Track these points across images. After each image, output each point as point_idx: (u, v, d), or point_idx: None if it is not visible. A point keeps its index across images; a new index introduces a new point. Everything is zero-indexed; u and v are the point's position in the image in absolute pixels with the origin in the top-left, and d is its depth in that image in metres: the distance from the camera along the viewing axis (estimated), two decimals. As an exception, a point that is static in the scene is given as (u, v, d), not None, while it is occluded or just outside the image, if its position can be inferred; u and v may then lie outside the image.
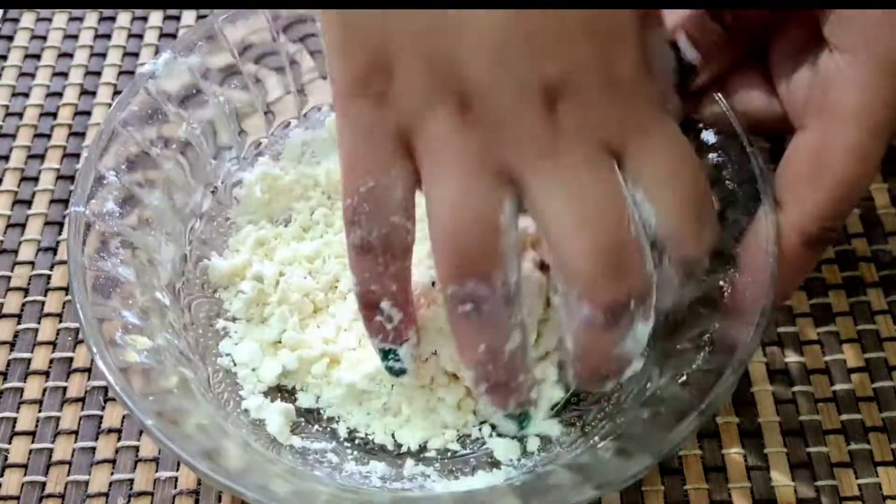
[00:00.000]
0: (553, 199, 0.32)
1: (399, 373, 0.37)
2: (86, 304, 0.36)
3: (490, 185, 0.32)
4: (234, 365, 0.41)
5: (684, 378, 0.36)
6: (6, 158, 0.51)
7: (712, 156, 0.40)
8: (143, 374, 0.36)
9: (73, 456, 0.41)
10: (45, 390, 0.43)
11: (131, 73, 0.54)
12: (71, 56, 0.55)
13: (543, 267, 0.40)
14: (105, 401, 0.43)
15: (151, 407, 0.34)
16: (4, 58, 0.55)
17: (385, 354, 0.37)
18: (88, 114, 0.52)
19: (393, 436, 0.39)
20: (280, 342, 0.41)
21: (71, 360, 0.44)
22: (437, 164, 0.33)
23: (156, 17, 0.56)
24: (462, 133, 0.32)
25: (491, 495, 0.36)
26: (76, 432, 0.42)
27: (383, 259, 0.34)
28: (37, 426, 0.42)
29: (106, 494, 0.40)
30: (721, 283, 0.37)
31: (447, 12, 0.32)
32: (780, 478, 0.40)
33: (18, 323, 0.45)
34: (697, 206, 0.34)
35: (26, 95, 0.53)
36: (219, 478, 0.32)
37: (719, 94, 0.39)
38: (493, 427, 0.39)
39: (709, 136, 0.40)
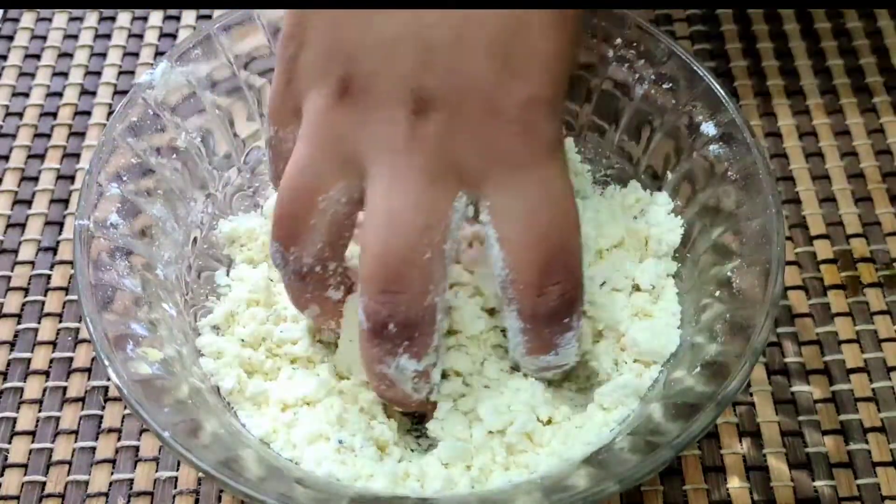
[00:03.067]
0: (376, 194, 0.33)
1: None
2: (96, 319, 0.36)
3: (334, 165, 0.34)
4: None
5: (698, 369, 0.36)
6: (6, 158, 0.51)
7: (713, 147, 0.40)
8: (157, 386, 0.35)
9: (73, 456, 0.41)
10: (45, 390, 0.43)
11: (131, 72, 0.54)
12: (71, 56, 0.55)
13: None
14: (105, 401, 0.43)
15: (168, 419, 0.34)
16: (4, 58, 0.55)
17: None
18: (88, 114, 0.52)
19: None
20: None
21: (71, 360, 0.44)
22: (303, 134, 0.35)
23: (156, 17, 0.56)
24: (331, 112, 0.34)
25: (513, 492, 0.36)
26: (76, 432, 0.42)
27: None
28: (37, 426, 0.42)
29: (106, 494, 0.40)
30: (729, 273, 0.38)
31: (363, 10, 0.33)
32: (779, 478, 0.40)
33: (18, 323, 0.45)
34: (549, 259, 0.34)
35: (26, 95, 0.53)
36: (239, 486, 0.32)
37: (717, 86, 0.40)
38: None
39: (709, 128, 0.40)
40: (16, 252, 0.47)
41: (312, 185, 0.34)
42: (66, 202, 0.49)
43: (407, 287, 0.33)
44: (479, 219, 0.35)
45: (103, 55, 0.55)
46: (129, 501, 0.40)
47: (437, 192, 0.33)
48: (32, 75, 0.54)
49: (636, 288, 0.41)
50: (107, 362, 0.35)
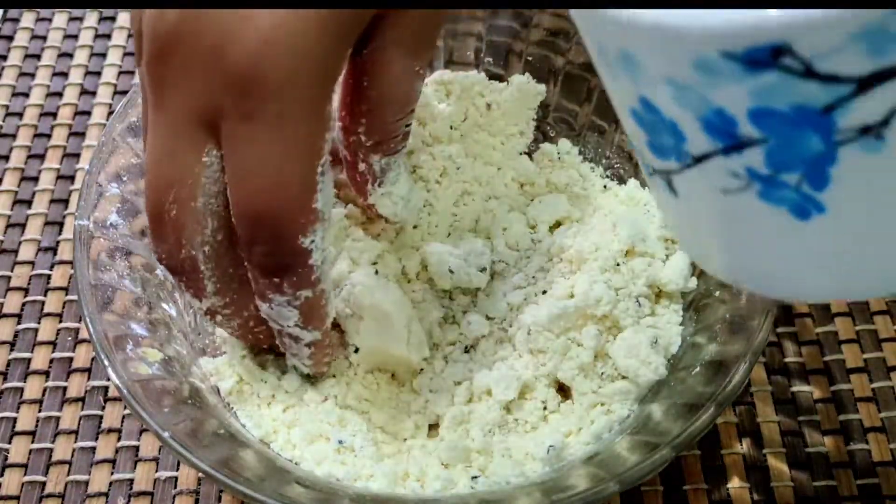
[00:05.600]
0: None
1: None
2: (96, 319, 0.36)
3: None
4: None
5: (697, 369, 0.36)
6: (6, 158, 0.51)
7: None
8: (156, 386, 0.36)
9: (73, 456, 0.41)
10: (45, 390, 0.43)
11: (131, 73, 0.54)
12: (71, 56, 0.55)
13: None
14: (105, 401, 0.43)
15: (168, 419, 0.34)
16: (4, 58, 0.55)
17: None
18: (88, 114, 0.52)
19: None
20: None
21: (71, 360, 0.44)
22: None
23: (156, 17, 0.56)
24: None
25: (513, 493, 0.36)
26: (76, 432, 0.42)
27: None
28: (37, 426, 0.42)
29: (106, 494, 0.40)
30: None
31: None
32: (779, 478, 0.40)
33: (18, 323, 0.45)
34: (252, 222, 0.33)
35: (26, 95, 0.53)
36: (239, 487, 0.32)
37: None
38: None
39: None
40: (16, 252, 0.47)
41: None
42: (66, 202, 0.49)
43: (162, 239, 0.34)
44: None
45: (103, 55, 0.55)
46: (129, 501, 0.40)
47: (182, 147, 0.32)
48: (32, 75, 0.54)
49: (655, 291, 0.40)
50: (106, 362, 0.35)
